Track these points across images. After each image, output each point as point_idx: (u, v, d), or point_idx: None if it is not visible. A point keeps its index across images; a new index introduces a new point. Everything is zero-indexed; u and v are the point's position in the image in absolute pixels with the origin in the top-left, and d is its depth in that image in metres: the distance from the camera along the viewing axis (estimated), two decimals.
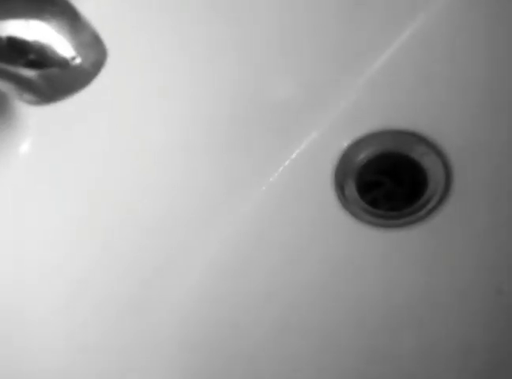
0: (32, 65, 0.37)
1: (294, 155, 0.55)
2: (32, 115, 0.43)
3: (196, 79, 0.51)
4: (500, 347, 0.48)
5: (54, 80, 0.37)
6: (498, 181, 0.54)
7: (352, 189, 0.55)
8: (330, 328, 0.51)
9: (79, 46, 0.37)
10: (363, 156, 0.56)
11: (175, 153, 0.51)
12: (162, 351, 0.50)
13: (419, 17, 0.56)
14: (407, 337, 0.50)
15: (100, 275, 0.48)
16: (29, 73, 0.37)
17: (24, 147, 0.43)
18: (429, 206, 0.54)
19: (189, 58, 0.50)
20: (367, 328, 0.50)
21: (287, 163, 0.55)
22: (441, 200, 0.53)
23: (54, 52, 0.36)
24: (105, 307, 0.48)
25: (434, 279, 0.51)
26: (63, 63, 0.37)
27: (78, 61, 0.37)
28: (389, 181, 0.56)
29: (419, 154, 0.55)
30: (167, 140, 0.50)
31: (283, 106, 0.55)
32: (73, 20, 0.37)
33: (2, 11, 0.36)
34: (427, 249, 0.52)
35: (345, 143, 0.56)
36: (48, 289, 0.45)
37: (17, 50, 0.36)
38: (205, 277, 0.52)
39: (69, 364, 0.46)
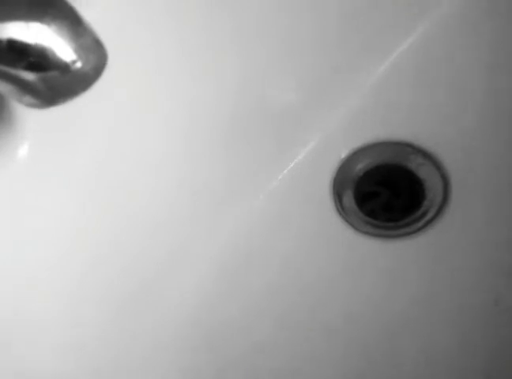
0: (32, 68, 0.36)
1: (292, 165, 0.55)
2: (30, 118, 0.42)
3: (197, 83, 0.51)
4: (498, 355, 0.48)
5: (54, 83, 0.37)
6: (496, 191, 0.54)
7: (349, 199, 0.55)
8: (329, 338, 0.51)
9: (80, 50, 0.37)
10: (360, 167, 0.56)
11: (175, 158, 0.51)
12: (162, 351, 0.49)
13: (422, 21, 0.56)
14: (405, 348, 0.50)
15: (100, 276, 0.47)
16: (29, 76, 0.36)
17: (23, 149, 0.43)
18: (427, 217, 0.54)
19: (190, 61, 0.51)
20: (366, 338, 0.50)
21: (285, 172, 0.55)
22: (439, 211, 0.53)
23: (54, 55, 0.36)
24: (105, 307, 0.48)
25: (433, 289, 0.51)
26: (64, 67, 0.37)
27: (79, 64, 0.37)
28: (387, 191, 0.56)
29: (416, 165, 0.55)
30: (168, 145, 0.50)
31: (281, 116, 0.55)
32: (74, 24, 0.37)
33: (3, 13, 0.36)
34: (425, 260, 0.52)
35: (343, 154, 0.56)
36: (47, 289, 0.44)
37: (18, 53, 0.36)
38: (206, 276, 0.52)
39: (68, 364, 0.45)
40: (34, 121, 0.43)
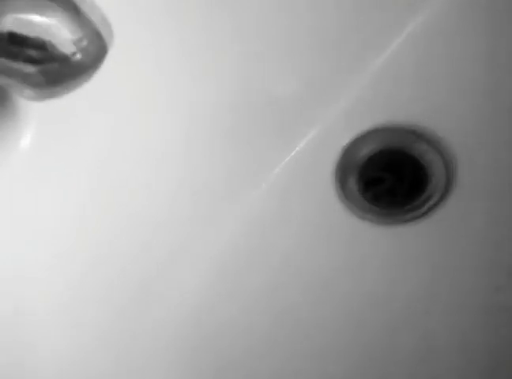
0: (32, 60, 0.37)
1: (295, 152, 0.55)
2: (32, 110, 0.43)
3: (197, 76, 0.51)
4: (500, 346, 0.48)
5: (54, 75, 0.37)
6: (500, 177, 0.54)
7: (353, 185, 0.55)
8: (332, 325, 0.51)
9: (79, 42, 0.37)
10: (364, 153, 0.56)
11: (175, 154, 0.51)
12: (162, 352, 0.49)
13: (420, 16, 0.56)
14: (409, 334, 0.50)
15: (101, 274, 0.48)
16: (30, 69, 0.37)
17: (25, 142, 0.43)
18: (430, 203, 0.54)
19: (191, 60, 0.51)
20: (369, 325, 0.50)
21: (288, 159, 0.55)
22: (442, 197, 0.53)
23: (54, 47, 0.37)
24: (105, 307, 0.48)
25: (436, 275, 0.51)
26: (63, 59, 0.37)
27: (79, 56, 0.37)
28: (390, 177, 0.56)
29: (420, 150, 0.55)
30: (169, 137, 0.50)
31: (284, 102, 0.55)
32: (73, 16, 0.37)
33: (3, 6, 0.36)
34: (428, 246, 0.52)
35: (346, 139, 0.56)
36: (47, 287, 0.45)
37: (18, 46, 0.36)
38: (206, 276, 0.52)
39: (69, 364, 0.46)
40: (36, 113, 0.43)
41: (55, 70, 0.37)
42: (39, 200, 0.44)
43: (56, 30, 0.37)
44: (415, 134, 0.55)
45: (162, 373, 0.49)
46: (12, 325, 0.42)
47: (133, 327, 0.49)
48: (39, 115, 0.43)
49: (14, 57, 0.37)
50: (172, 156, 0.51)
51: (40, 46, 0.36)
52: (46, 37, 0.36)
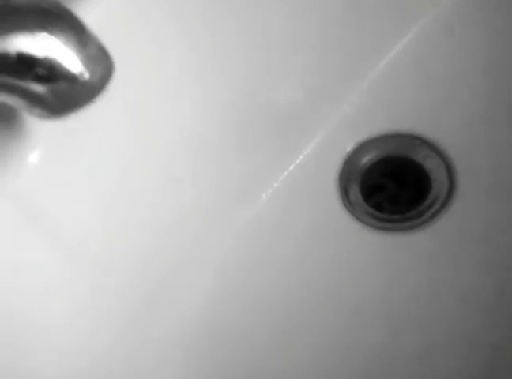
0: (40, 79, 0.37)
1: (298, 160, 0.55)
2: (41, 126, 0.43)
3: (202, 84, 0.51)
4: (501, 349, 0.49)
5: (62, 94, 0.38)
6: (502, 183, 0.54)
7: (356, 192, 0.55)
8: (334, 330, 0.51)
9: (87, 61, 0.37)
10: (366, 160, 0.56)
11: (183, 153, 0.51)
12: (170, 356, 0.50)
13: (421, 22, 0.56)
14: (410, 340, 0.50)
15: (112, 280, 0.48)
16: (38, 88, 0.37)
17: (34, 158, 0.43)
18: (433, 209, 0.54)
19: (196, 61, 0.51)
20: (371, 330, 0.51)
21: (291, 167, 0.55)
22: (444, 203, 0.54)
23: (62, 67, 0.37)
24: (114, 312, 0.48)
25: (438, 282, 0.51)
26: (71, 78, 0.37)
27: (86, 75, 0.37)
28: (393, 184, 0.56)
29: (422, 157, 0.56)
30: (175, 145, 0.51)
31: (286, 110, 0.55)
32: (80, 35, 0.38)
33: (11, 26, 0.37)
34: (430, 253, 0.53)
35: (349, 147, 0.56)
36: (57, 298, 0.45)
37: (26, 66, 0.37)
38: (211, 282, 0.52)
39: (78, 369, 0.46)
40: (46, 129, 0.43)
41: (63, 89, 0.38)
42: (49, 213, 0.45)
43: (64, 49, 0.37)
44: (417, 140, 0.56)
45: (170, 375, 0.49)
46: (19, 332, 0.43)
47: (143, 331, 0.49)
48: (49, 131, 0.43)
49: (23, 76, 0.37)
50: (177, 161, 0.51)
51: (48, 65, 0.37)
52: (54, 57, 0.37)
